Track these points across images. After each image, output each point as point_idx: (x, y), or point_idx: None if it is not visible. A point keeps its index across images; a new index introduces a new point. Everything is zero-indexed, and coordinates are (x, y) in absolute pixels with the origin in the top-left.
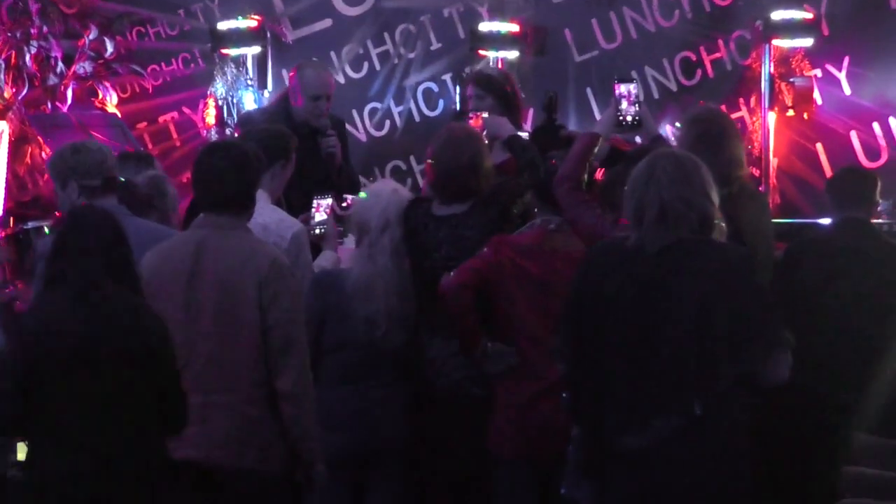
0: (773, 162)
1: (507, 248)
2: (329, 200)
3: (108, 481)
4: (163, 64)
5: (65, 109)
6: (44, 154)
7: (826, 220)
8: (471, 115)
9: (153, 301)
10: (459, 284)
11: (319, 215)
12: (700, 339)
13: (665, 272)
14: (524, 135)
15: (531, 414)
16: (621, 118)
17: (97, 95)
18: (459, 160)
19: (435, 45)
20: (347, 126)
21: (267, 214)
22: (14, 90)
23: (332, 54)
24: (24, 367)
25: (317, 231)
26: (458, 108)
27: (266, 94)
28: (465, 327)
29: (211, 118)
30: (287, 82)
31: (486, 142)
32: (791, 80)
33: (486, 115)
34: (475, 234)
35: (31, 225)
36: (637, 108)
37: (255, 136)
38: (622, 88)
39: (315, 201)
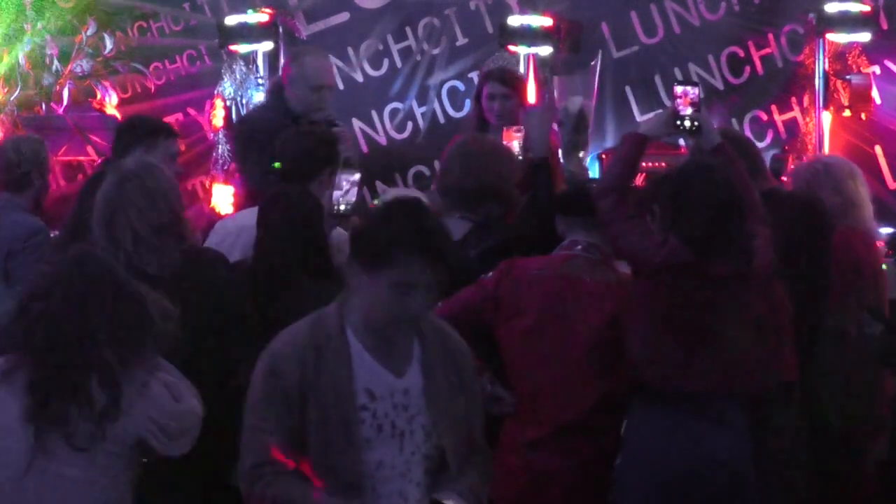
0: None
1: (514, 274)
2: (357, 176)
3: None
4: (166, 62)
5: (60, 111)
6: None
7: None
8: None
9: None
10: (446, 316)
11: (342, 191)
12: None
13: None
14: None
15: (527, 461)
16: (677, 120)
17: (95, 96)
18: (469, 178)
19: (461, 41)
20: (366, 127)
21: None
22: (6, 91)
23: (350, 50)
24: None
25: (341, 209)
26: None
27: None
28: None
29: (218, 120)
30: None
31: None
32: (847, 77)
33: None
34: (476, 257)
35: None
36: (696, 112)
37: (299, 141)
38: (679, 89)
39: (339, 177)
